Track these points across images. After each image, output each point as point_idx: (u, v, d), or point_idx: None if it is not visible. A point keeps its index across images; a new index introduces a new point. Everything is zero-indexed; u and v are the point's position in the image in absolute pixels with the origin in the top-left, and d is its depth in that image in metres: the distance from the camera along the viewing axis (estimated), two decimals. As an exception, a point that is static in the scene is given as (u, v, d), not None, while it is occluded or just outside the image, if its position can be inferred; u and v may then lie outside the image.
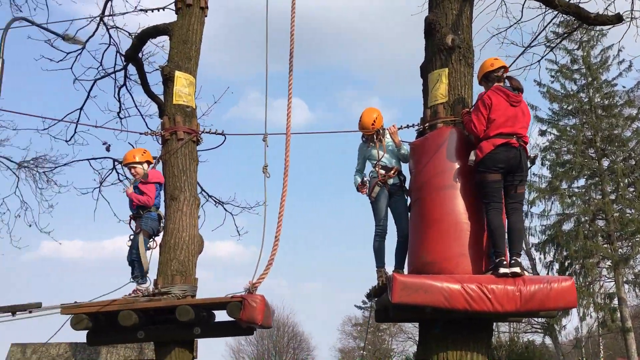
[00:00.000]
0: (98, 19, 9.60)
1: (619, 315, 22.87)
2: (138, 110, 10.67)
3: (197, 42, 7.39)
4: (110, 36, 9.95)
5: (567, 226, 25.05)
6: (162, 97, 9.09)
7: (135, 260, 6.52)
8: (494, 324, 6.32)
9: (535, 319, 25.95)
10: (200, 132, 7.16)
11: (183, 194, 6.77)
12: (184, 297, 6.30)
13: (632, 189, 24.16)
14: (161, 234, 6.74)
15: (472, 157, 5.59)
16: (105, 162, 10.71)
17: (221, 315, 6.53)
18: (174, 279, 6.42)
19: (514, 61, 7.71)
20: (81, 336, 6.95)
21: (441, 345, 5.49)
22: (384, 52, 71.97)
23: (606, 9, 7.67)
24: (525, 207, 5.62)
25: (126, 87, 10.28)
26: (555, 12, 7.74)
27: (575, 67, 25.88)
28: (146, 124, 10.84)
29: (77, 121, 10.19)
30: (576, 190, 25.42)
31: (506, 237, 5.54)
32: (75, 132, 10.55)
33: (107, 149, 10.01)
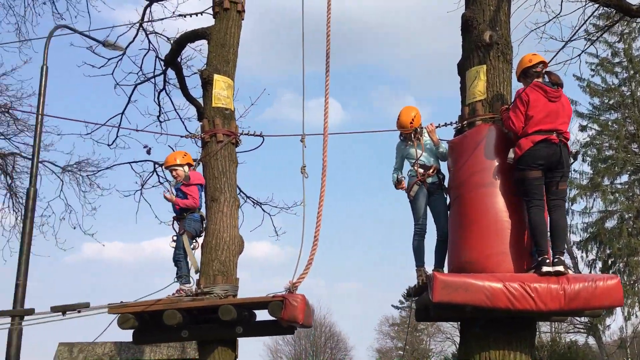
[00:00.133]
0: (137, 25, 9.83)
1: (665, 314, 22.26)
2: (177, 113, 10.89)
3: (234, 45, 7.50)
4: (149, 41, 10.19)
5: (610, 223, 24.48)
6: (200, 100, 9.26)
7: (179, 261, 6.66)
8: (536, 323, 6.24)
9: (578, 319, 25.39)
10: (239, 134, 7.26)
11: (223, 195, 6.88)
12: (225, 296, 6.40)
13: (677, 184, 23.47)
14: (203, 234, 6.86)
15: (511, 154, 5.55)
16: (146, 165, 10.98)
17: (262, 315, 6.65)
18: (216, 279, 6.53)
19: (554, 56, 7.61)
20: (125, 335, 7.13)
21: (483, 345, 5.45)
22: (418, 49, 71.55)
23: (649, 0, 7.49)
24: (566, 205, 5.55)
25: (165, 91, 10.51)
26: (596, 5, 7.59)
27: (617, 60, 25.25)
28: (185, 127, 11.06)
29: (119, 125, 10.46)
30: (619, 186, 24.82)
31: (548, 234, 5.48)
32: (117, 136, 10.85)
33: (148, 152, 10.23)
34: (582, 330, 27.96)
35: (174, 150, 10.30)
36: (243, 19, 7.70)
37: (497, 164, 5.70)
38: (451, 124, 6.52)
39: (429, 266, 6.43)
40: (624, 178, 24.91)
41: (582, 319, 25.59)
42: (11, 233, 12.60)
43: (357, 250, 65.25)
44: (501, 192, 5.63)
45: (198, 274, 6.67)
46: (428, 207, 6.48)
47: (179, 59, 9.03)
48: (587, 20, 8.14)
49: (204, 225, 6.87)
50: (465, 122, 6.22)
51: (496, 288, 5.08)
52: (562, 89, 5.66)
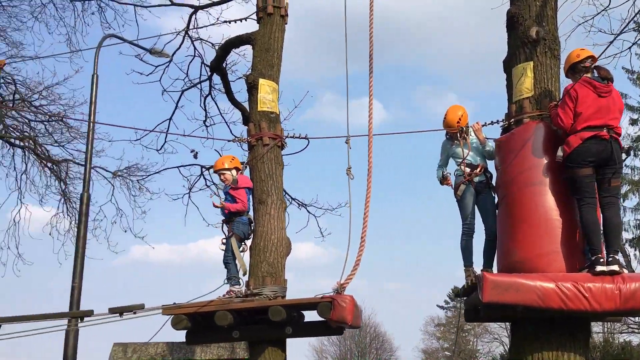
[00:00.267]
0: (183, 32, 10.05)
1: None
2: (223, 118, 11.09)
3: (278, 50, 7.60)
4: (195, 48, 10.41)
5: (664, 220, 23.66)
6: (245, 105, 9.40)
7: (228, 263, 6.79)
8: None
9: (632, 319, 24.62)
10: (284, 137, 7.35)
11: (270, 198, 6.98)
12: (274, 297, 6.49)
13: None
14: (251, 237, 6.97)
15: (559, 152, 5.47)
16: (193, 169, 11.23)
17: (310, 315, 6.73)
18: (265, 280, 6.63)
19: (604, 50, 7.44)
20: (177, 336, 7.31)
21: (534, 346, 5.38)
22: (460, 46, 70.55)
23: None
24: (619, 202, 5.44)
25: (211, 96, 10.73)
26: (647, -4, 7.38)
27: (669, 51, 24.37)
28: (230, 131, 11.24)
29: (167, 131, 10.73)
30: (673, 181, 23.98)
31: (601, 233, 5.37)
32: (165, 141, 11.13)
33: (195, 157, 10.48)
34: (636, 331, 27.10)
35: (220, 154, 10.56)
36: (286, 23, 7.80)
37: (546, 161, 5.62)
38: (497, 122, 6.45)
39: (478, 266, 6.40)
40: (678, 173, 24.06)
41: (637, 319, 24.82)
42: (65, 237, 13.07)
43: (401, 249, 64.86)
44: (551, 190, 5.55)
45: (246, 275, 6.79)
46: (476, 207, 6.44)
47: (224, 65, 9.19)
48: (638, 12, 7.92)
49: (252, 228, 6.98)
50: (512, 119, 6.14)
51: (548, 288, 5.01)
52: (613, 83, 5.54)
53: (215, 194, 11.60)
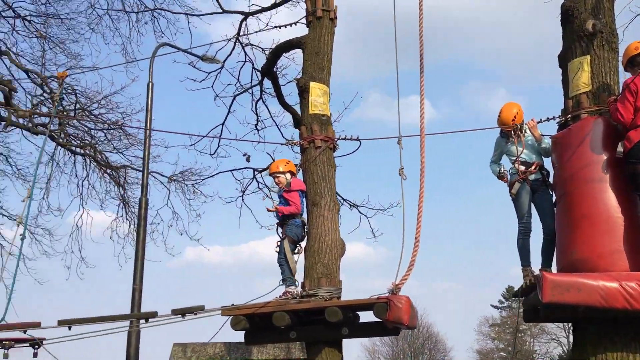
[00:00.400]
0: (234, 39, 10.26)
1: None
2: (274, 121, 11.26)
3: (328, 53, 7.67)
4: (245, 54, 10.62)
5: None
6: (296, 108, 9.52)
7: (282, 265, 6.89)
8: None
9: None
10: (336, 139, 7.41)
11: (324, 200, 7.04)
12: (330, 298, 6.55)
13: None
14: (305, 239, 7.06)
15: (620, 148, 5.35)
16: (246, 172, 11.44)
17: (365, 316, 6.77)
18: (320, 281, 6.70)
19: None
20: (235, 336, 7.46)
21: (598, 347, 5.26)
22: (509, 40, 69.13)
23: None
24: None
25: (262, 100, 10.91)
26: None
27: None
28: (282, 134, 11.40)
29: (220, 136, 10.96)
30: None
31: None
32: (218, 145, 11.38)
33: (247, 160, 10.69)
34: None
35: (272, 157, 10.71)
36: (335, 26, 7.86)
37: (605, 158, 5.50)
38: (554, 118, 6.33)
39: (535, 265, 6.30)
40: None
41: None
42: (125, 240, 13.49)
43: (452, 248, 63.97)
44: (612, 187, 5.43)
45: (297, 275, 6.87)
46: (532, 205, 6.34)
47: (274, 69, 9.32)
48: (700, 0, 7.61)
49: (306, 230, 7.06)
50: (569, 115, 6.03)
51: (612, 288, 4.89)
52: (675, 75, 5.36)
53: (267, 196, 11.77)
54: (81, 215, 13.24)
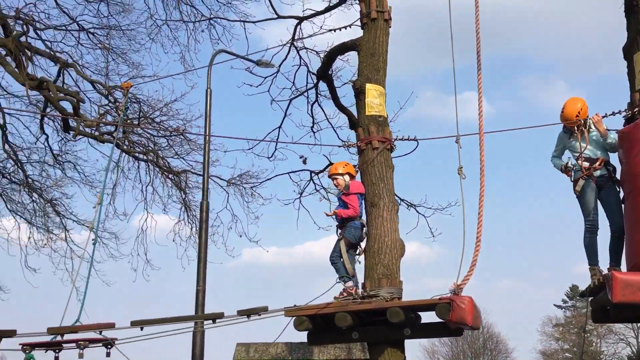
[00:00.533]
0: (289, 43, 10.40)
1: None
2: (329, 123, 11.35)
3: (383, 54, 7.68)
4: (300, 57, 10.74)
5: None
6: (351, 109, 9.56)
7: (334, 262, 6.94)
8: None
9: None
10: (393, 140, 7.41)
11: (382, 201, 7.07)
12: (391, 299, 6.57)
13: None
14: (364, 240, 7.10)
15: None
16: (303, 174, 11.57)
17: (426, 317, 6.75)
18: (380, 282, 6.73)
19: None
20: (296, 336, 7.56)
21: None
22: (567, 30, 66.93)
23: None
24: None
25: (318, 103, 11.02)
26: None
27: None
28: (337, 136, 11.46)
29: (277, 139, 11.14)
30: None
31: None
32: (275, 149, 11.56)
33: (304, 162, 10.81)
34: None
35: (329, 159, 10.81)
36: (390, 27, 7.86)
37: (676, 151, 5.30)
38: (619, 112, 6.15)
39: (603, 264, 6.13)
40: None
41: None
42: (187, 243, 13.89)
43: (511, 246, 62.52)
44: (683, 182, 5.23)
45: (353, 276, 6.91)
46: (599, 202, 6.17)
47: (329, 72, 9.40)
48: None
49: (365, 231, 7.10)
50: (637, 109, 5.84)
51: (686, 286, 4.72)
52: None
53: (324, 197, 11.89)
54: (146, 219, 13.72)
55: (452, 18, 6.98)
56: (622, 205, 5.89)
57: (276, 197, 12.85)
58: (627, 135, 5.75)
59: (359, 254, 7.05)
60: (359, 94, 7.53)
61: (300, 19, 10.04)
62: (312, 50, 10.77)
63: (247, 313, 5.83)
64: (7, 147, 13.42)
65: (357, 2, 8.05)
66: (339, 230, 7.12)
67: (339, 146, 7.98)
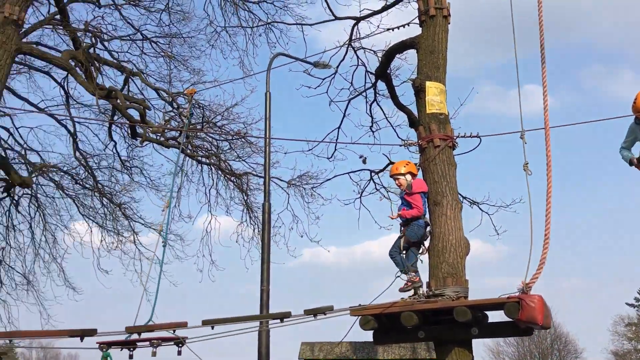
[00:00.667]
0: (346, 44, 10.45)
1: None
2: (389, 122, 11.34)
3: (443, 51, 7.61)
4: (358, 57, 10.77)
5: None
6: (411, 107, 9.51)
7: (394, 257, 6.93)
8: None
9: None
10: (455, 137, 7.33)
11: (445, 199, 7.00)
12: (457, 298, 6.50)
13: None
14: (428, 239, 7.06)
15: None
16: (362, 174, 11.60)
17: (493, 316, 6.64)
18: (446, 280, 6.67)
19: None
20: (361, 336, 7.60)
21: None
22: (634, 17, 64.03)
23: None
24: None
25: (376, 102, 11.02)
26: None
27: None
28: (397, 134, 11.43)
29: (336, 140, 11.21)
30: None
31: None
32: (335, 149, 11.65)
33: (364, 162, 10.86)
34: None
35: (388, 158, 10.80)
36: (449, 23, 7.78)
37: None
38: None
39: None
40: None
41: None
42: (250, 244, 14.18)
43: (579, 243, 60.44)
44: None
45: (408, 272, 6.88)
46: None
47: (388, 71, 9.38)
48: None
49: (429, 230, 7.06)
50: None
51: None
52: None
53: (385, 197, 11.87)
54: (210, 221, 14.08)
55: (509, 10, 6.87)
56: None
57: (336, 197, 12.94)
58: None
59: (422, 253, 7.02)
60: (419, 92, 7.48)
61: (358, 19, 10.07)
62: (370, 50, 10.79)
63: (314, 312, 5.91)
64: (78, 154, 14.08)
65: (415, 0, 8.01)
66: (402, 228, 7.11)
67: (400, 145, 7.95)
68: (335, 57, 11.21)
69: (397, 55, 9.72)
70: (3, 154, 12.95)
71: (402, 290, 6.67)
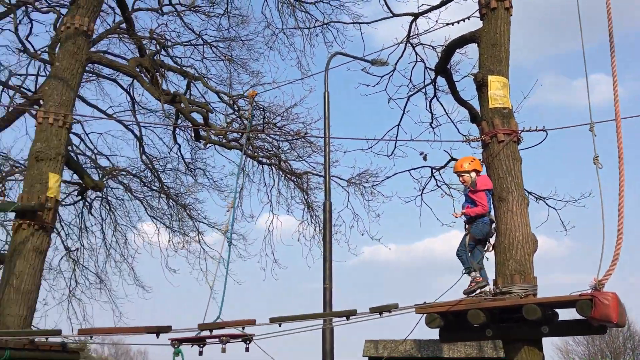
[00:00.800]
0: (405, 40, 10.39)
1: None
2: (449, 117, 11.22)
3: (505, 44, 7.45)
4: (416, 54, 10.69)
5: None
6: (472, 103, 9.38)
7: (460, 256, 6.85)
8: None
9: None
10: (520, 132, 7.18)
11: (511, 195, 6.87)
12: (526, 296, 6.37)
13: None
14: (493, 236, 6.95)
15: None
16: (423, 170, 11.52)
17: (564, 314, 6.48)
18: (513, 278, 6.54)
19: None
20: (425, 334, 7.55)
21: None
22: None
23: None
24: None
25: (436, 98, 10.91)
26: None
27: None
28: (457, 130, 11.29)
29: (396, 137, 11.17)
30: None
31: None
32: (395, 147, 11.61)
33: (424, 159, 10.78)
34: None
35: (450, 155, 10.68)
36: (511, 15, 7.62)
37: None
38: None
39: None
40: None
41: None
42: (311, 242, 14.32)
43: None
44: None
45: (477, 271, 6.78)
46: None
47: (448, 66, 9.28)
48: None
49: (493, 227, 6.94)
50: None
51: None
52: None
53: (446, 193, 11.75)
54: (272, 221, 14.32)
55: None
56: None
57: (397, 195, 12.91)
58: None
59: (487, 250, 6.91)
60: (481, 86, 7.36)
61: (416, 15, 10.00)
62: (429, 45, 10.71)
63: (379, 310, 5.92)
64: (144, 157, 14.61)
65: (475, -7, 7.88)
66: (466, 226, 7.02)
67: (462, 141, 7.83)
68: (393, 54, 11.18)
69: (457, 50, 9.60)
70: (75, 159, 13.58)
71: (466, 292, 6.59)
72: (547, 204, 11.04)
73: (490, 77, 7.30)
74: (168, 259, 14.97)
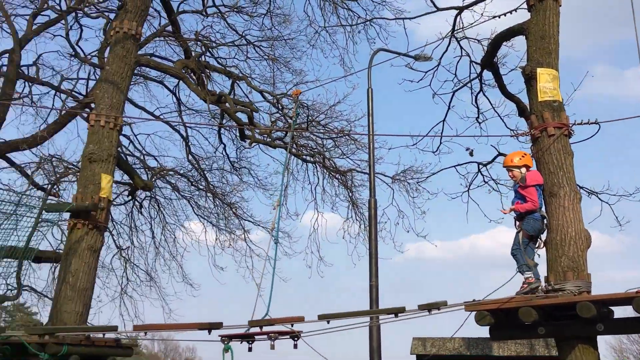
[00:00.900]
0: (449, 35, 10.26)
1: None
2: (496, 112, 11.00)
3: (554, 35, 7.28)
4: (461, 48, 10.53)
5: None
6: (519, 96, 9.19)
7: (515, 255, 6.73)
8: None
9: None
10: (571, 125, 7.00)
11: (562, 190, 6.71)
12: (579, 293, 6.22)
13: None
14: (545, 232, 6.80)
15: None
16: (470, 166, 11.35)
17: (619, 312, 6.30)
18: (566, 275, 6.40)
19: None
20: (474, 332, 7.45)
21: None
22: None
23: None
24: None
25: (482, 92, 10.73)
26: None
27: None
28: (505, 124, 11.07)
29: (441, 133, 11.04)
30: None
31: None
32: (440, 142, 11.48)
33: (471, 154, 10.62)
34: None
35: (497, 150, 10.49)
36: (560, 5, 7.44)
37: None
38: None
39: None
40: None
41: None
42: (357, 240, 14.32)
43: None
44: None
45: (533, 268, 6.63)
46: None
47: (494, 59, 9.12)
48: None
49: (545, 223, 6.80)
50: None
51: None
52: None
53: (494, 189, 11.55)
54: (317, 219, 14.37)
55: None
56: None
57: (443, 191, 12.76)
58: None
59: (539, 247, 6.77)
60: (530, 79, 7.22)
61: (461, 9, 9.85)
62: (474, 39, 10.53)
63: (428, 307, 5.88)
64: (190, 157, 14.87)
65: (521, -16, 7.72)
66: (517, 223, 6.89)
67: (510, 136, 7.72)
68: (437, 49, 11.03)
69: (504, 43, 9.42)
70: (125, 160, 13.94)
71: (519, 294, 6.46)
72: (599, 198, 10.72)
73: (539, 70, 7.15)
74: (215, 257, 15.22)
